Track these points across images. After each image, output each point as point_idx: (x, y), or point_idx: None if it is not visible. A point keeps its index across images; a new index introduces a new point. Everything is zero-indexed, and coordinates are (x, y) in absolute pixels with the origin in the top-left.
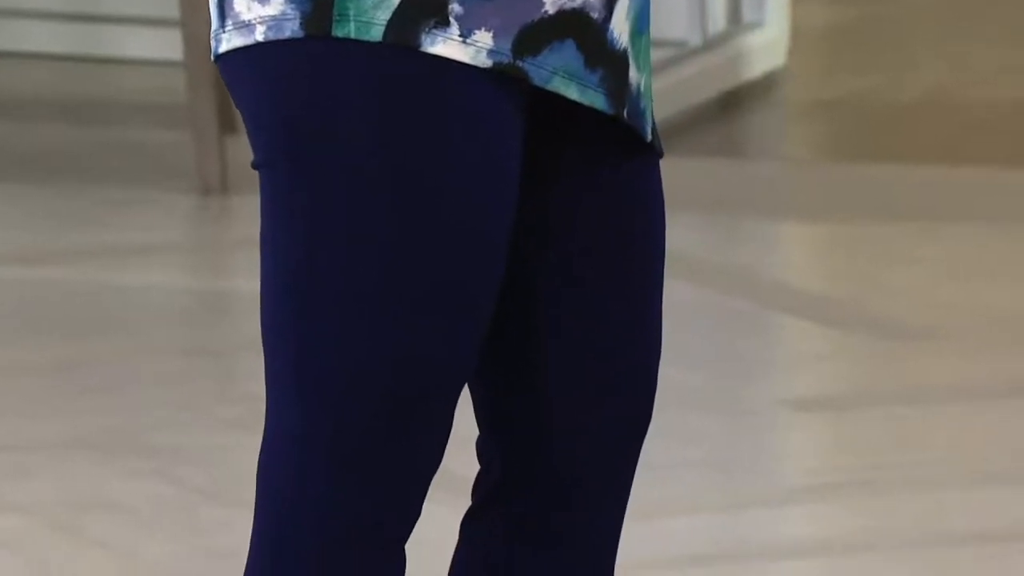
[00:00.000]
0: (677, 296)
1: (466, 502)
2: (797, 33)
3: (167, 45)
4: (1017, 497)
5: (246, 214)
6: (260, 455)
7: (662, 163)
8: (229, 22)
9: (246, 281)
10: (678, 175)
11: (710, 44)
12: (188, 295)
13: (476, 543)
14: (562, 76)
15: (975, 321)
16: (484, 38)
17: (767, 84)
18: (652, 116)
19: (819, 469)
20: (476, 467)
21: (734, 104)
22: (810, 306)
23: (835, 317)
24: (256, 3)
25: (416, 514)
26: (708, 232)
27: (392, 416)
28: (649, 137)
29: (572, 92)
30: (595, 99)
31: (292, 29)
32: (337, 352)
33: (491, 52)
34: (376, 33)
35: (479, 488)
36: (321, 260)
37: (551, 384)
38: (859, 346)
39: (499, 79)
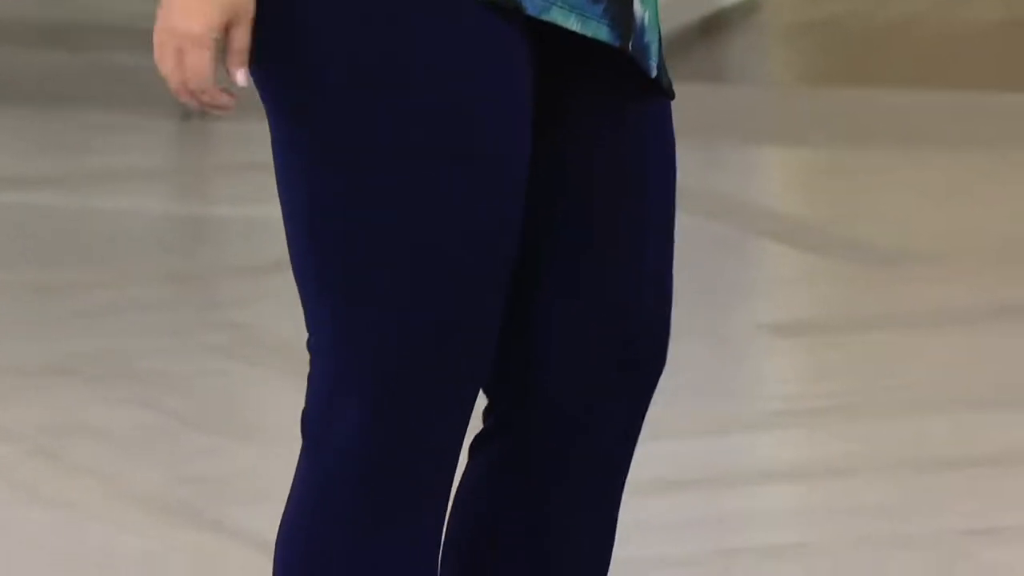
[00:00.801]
0: None
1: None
2: None
3: None
4: (998, 421)
5: (227, 139)
6: (307, 387)
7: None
8: None
9: (228, 206)
10: None
11: None
12: (170, 220)
13: (483, 468)
14: (561, 7)
15: (956, 244)
16: None
17: (748, 7)
18: (661, 54)
19: (800, 394)
20: None
21: (715, 28)
22: (791, 230)
23: (816, 242)
24: None
25: (453, 457)
26: (688, 157)
27: (425, 371)
28: (654, 72)
29: (572, 23)
30: (598, 31)
31: None
32: (362, 305)
33: None
34: None
35: (489, 414)
36: (325, 206)
37: (561, 326)
38: (840, 270)
39: (495, 11)
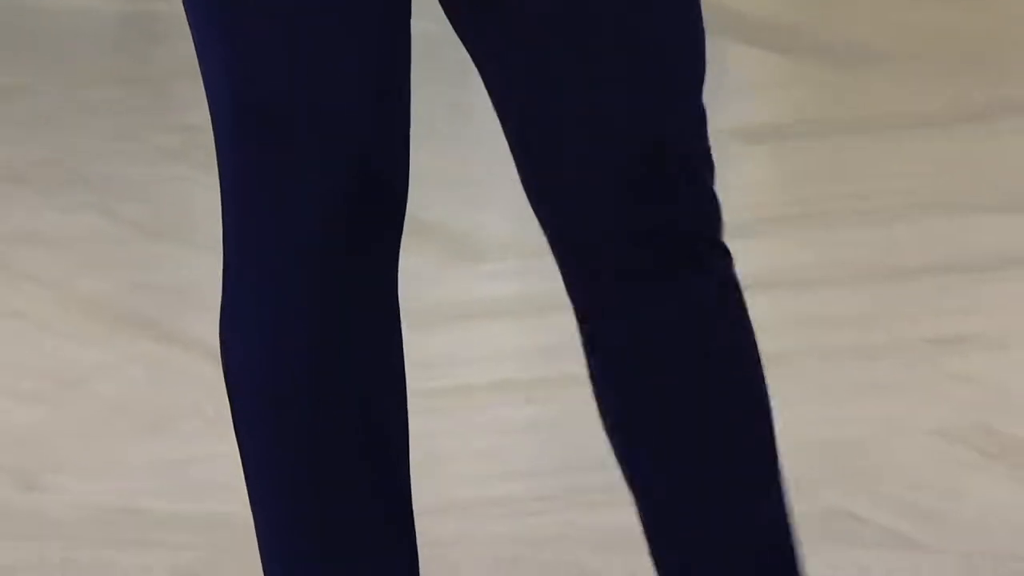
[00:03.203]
0: None
1: (436, 247)
2: None
3: None
4: (971, 226)
5: None
6: None
7: None
8: None
9: (181, 4)
10: None
11: None
12: (121, 18)
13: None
14: None
15: (930, 46)
16: None
17: None
18: None
19: (768, 202)
20: (440, 211)
21: None
22: (759, 32)
23: (784, 43)
24: None
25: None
26: None
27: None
28: None
29: None
30: None
31: None
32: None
33: None
34: None
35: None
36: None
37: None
38: (809, 73)
39: None
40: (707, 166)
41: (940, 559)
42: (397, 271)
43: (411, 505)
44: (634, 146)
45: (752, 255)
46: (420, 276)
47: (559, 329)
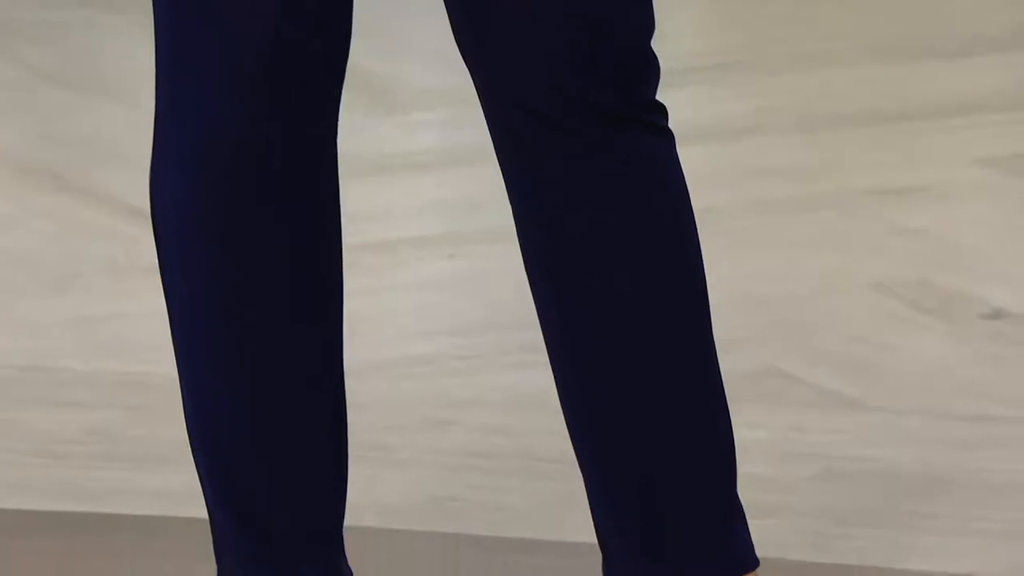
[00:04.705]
0: None
1: (358, 98)
2: None
3: None
4: (915, 73)
5: None
6: None
7: None
8: None
9: None
10: None
11: None
12: None
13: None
14: None
15: None
16: None
17: None
18: None
19: (703, 50)
20: (363, 60)
21: None
22: None
23: None
24: None
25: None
26: None
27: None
28: None
29: None
30: None
31: None
32: None
33: None
34: None
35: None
36: None
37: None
38: None
39: None
40: (648, 31)
41: (875, 418)
42: (337, 117)
43: (341, 351)
44: (574, 15)
45: (685, 105)
46: (341, 127)
47: (483, 182)
